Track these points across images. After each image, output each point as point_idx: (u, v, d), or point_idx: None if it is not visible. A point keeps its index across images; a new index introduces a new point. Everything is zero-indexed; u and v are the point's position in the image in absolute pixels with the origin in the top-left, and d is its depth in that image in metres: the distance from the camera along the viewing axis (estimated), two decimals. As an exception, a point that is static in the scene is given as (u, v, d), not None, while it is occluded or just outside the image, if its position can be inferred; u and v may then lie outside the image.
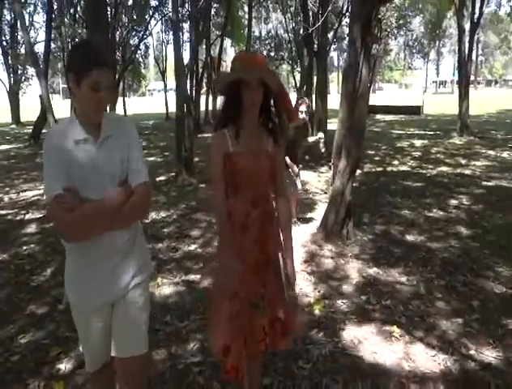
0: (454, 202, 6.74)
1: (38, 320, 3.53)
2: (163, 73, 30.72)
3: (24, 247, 5.25)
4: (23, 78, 27.45)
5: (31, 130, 17.14)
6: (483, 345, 2.98)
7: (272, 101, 2.09)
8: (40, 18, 54.72)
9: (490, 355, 2.88)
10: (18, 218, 6.52)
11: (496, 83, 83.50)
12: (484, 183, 8.05)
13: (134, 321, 1.91)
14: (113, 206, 1.72)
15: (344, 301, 3.66)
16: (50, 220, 1.58)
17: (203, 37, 18.57)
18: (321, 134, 11.52)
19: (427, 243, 4.98)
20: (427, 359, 2.85)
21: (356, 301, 3.66)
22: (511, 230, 5.38)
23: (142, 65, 33.04)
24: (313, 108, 11.52)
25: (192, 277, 4.26)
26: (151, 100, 69.36)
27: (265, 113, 2.11)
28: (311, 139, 8.34)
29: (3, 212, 6.88)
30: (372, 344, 3.04)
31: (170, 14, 27.22)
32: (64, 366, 2.91)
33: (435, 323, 3.28)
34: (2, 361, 2.97)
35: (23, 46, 26.90)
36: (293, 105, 2.45)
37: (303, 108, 5.52)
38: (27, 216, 6.58)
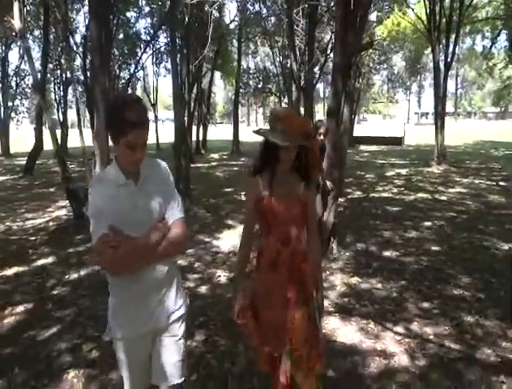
0: (427, 223, 7.52)
1: (68, 325, 4.11)
2: (154, 105, 31.53)
3: (40, 263, 5.89)
4: (13, 110, 27.99)
5: (22, 162, 17.53)
6: (440, 332, 3.71)
7: (304, 154, 2.25)
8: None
9: (445, 338, 3.59)
10: (28, 244, 7.05)
11: (475, 114, 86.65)
12: (456, 207, 8.87)
13: (175, 353, 2.06)
14: (153, 242, 1.87)
15: (329, 302, 4.34)
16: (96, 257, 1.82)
17: (198, 73, 19.61)
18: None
19: (400, 257, 5.73)
20: (395, 342, 3.56)
21: (339, 302, 4.36)
22: (474, 246, 6.16)
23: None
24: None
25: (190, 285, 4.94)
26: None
27: (298, 162, 2.25)
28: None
29: (16, 237, 7.45)
30: (350, 332, 3.73)
31: (162, 46, 28.40)
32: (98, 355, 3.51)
33: (403, 317, 3.99)
34: (44, 357, 3.54)
35: (13, 79, 27.79)
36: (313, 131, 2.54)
37: (322, 130, 5.75)
38: (38, 240, 7.18)
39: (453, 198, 9.89)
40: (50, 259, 6.11)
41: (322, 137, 5.74)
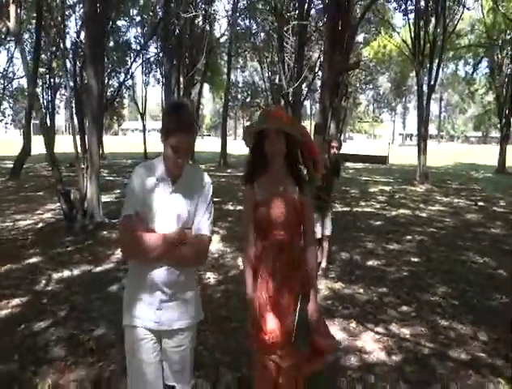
0: (408, 237, 7.87)
1: (63, 318, 4.27)
2: (142, 114, 31.66)
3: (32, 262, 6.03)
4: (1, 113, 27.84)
5: (8, 165, 17.46)
6: (416, 332, 3.99)
7: (299, 151, 2.26)
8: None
9: (421, 338, 3.87)
10: (19, 243, 7.14)
11: (458, 138, 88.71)
12: (436, 224, 9.25)
13: (178, 362, 2.09)
14: (169, 243, 1.92)
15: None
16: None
17: (191, 85, 19.89)
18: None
19: (382, 267, 6.03)
20: (374, 340, 3.82)
21: (323, 304, 4.59)
22: (452, 259, 6.49)
23: (124, 105, 34.06)
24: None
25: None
26: (126, 139, 69.85)
27: (291, 162, 2.25)
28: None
29: (6, 237, 7.53)
30: (333, 331, 3.89)
31: (152, 57, 28.74)
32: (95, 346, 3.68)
33: (382, 319, 4.27)
34: (42, 346, 3.69)
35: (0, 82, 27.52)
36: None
37: (335, 143, 5.69)
38: (29, 240, 7.28)
39: (433, 216, 10.28)
40: (42, 258, 6.22)
41: (335, 150, 5.67)
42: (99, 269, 5.76)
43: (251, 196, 2.26)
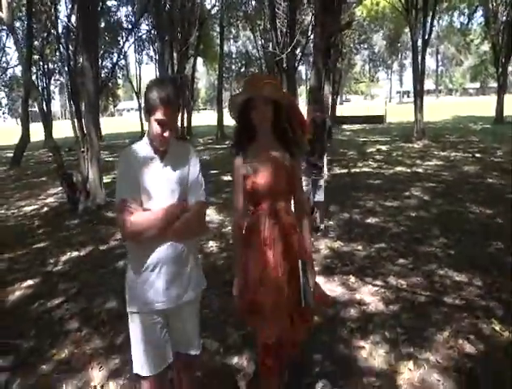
0: (406, 193, 7.99)
1: (74, 295, 4.46)
2: (137, 93, 31.43)
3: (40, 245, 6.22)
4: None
5: (8, 154, 17.57)
6: (412, 282, 4.16)
7: (285, 116, 2.21)
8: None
9: (417, 287, 4.04)
10: (26, 228, 7.33)
11: (456, 91, 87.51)
12: (433, 178, 9.35)
13: (188, 333, 2.17)
14: (168, 217, 1.94)
15: (314, 263, 4.73)
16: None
17: (185, 60, 19.67)
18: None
19: (380, 223, 6.18)
20: (372, 293, 3.99)
21: (323, 263, 4.77)
22: (449, 211, 6.62)
23: (118, 85, 33.80)
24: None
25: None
26: (122, 119, 69.45)
27: (278, 128, 2.22)
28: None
29: (13, 223, 7.74)
30: (333, 287, 4.15)
31: (144, 34, 28.34)
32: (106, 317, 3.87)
33: (381, 272, 4.43)
34: (57, 320, 3.91)
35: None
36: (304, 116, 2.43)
37: (318, 113, 5.83)
38: (36, 225, 7.46)
39: (431, 170, 10.37)
40: (49, 242, 6.39)
41: (318, 113, 5.79)
42: (104, 247, 5.93)
43: (240, 166, 2.24)
